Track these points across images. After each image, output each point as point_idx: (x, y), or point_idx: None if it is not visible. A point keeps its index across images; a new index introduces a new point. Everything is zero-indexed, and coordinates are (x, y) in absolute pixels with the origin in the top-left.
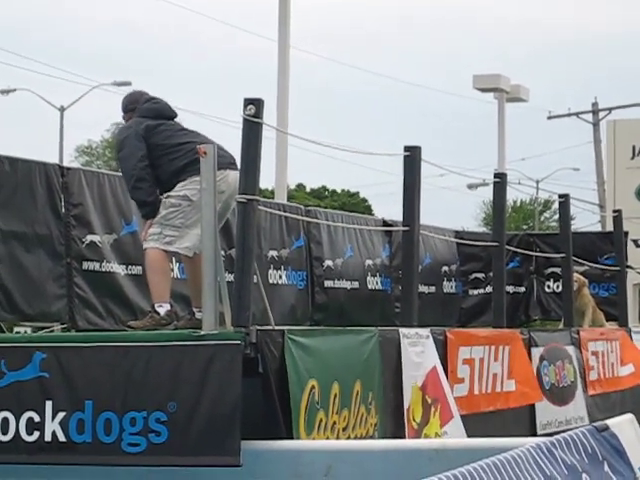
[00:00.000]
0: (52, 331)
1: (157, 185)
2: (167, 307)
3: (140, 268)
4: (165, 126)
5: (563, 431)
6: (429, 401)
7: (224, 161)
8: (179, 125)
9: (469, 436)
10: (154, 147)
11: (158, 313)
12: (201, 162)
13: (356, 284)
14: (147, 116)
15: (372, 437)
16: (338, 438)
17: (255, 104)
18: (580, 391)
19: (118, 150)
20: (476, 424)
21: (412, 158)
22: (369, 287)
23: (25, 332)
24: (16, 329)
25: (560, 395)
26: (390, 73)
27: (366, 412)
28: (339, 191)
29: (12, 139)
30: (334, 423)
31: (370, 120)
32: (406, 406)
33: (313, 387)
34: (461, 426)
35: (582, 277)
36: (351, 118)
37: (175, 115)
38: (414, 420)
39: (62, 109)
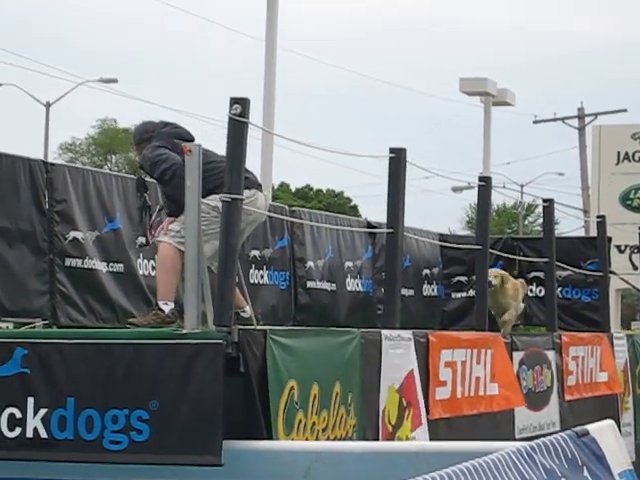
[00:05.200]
0: (34, 327)
1: None
2: (172, 305)
3: (121, 265)
4: None
5: (537, 436)
6: (404, 404)
7: (253, 180)
8: None
9: (451, 439)
10: None
11: (162, 311)
12: (186, 160)
13: (335, 286)
14: (169, 139)
15: (351, 439)
16: (317, 439)
17: (241, 103)
18: (555, 396)
19: (151, 161)
20: (459, 427)
21: (397, 160)
22: (348, 289)
23: (7, 328)
24: None
25: (536, 400)
26: (378, 76)
27: (346, 413)
28: (324, 191)
29: None
30: (313, 424)
31: (357, 122)
32: (382, 407)
33: (292, 387)
34: (427, 434)
35: (502, 271)
36: (338, 120)
37: (193, 139)
38: (389, 422)
39: (48, 105)
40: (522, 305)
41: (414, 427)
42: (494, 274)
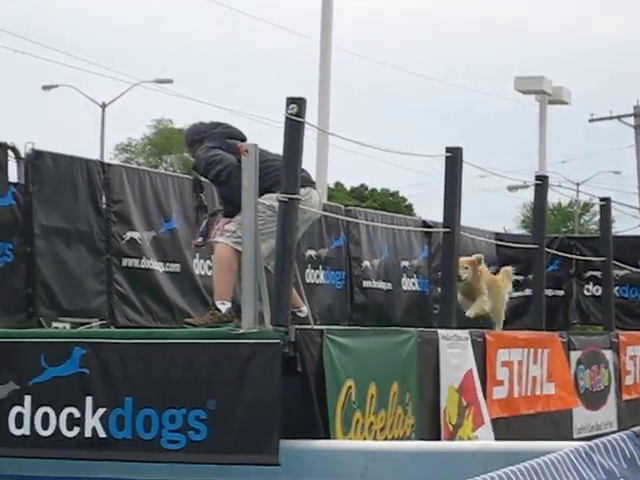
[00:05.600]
0: (91, 327)
1: None
2: (229, 305)
3: (178, 265)
4: None
5: (595, 436)
6: (464, 403)
7: (307, 178)
8: None
9: (509, 438)
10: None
11: (220, 310)
12: (243, 160)
13: (391, 285)
14: (222, 139)
15: (409, 438)
16: (375, 439)
17: (297, 103)
18: (612, 396)
19: (206, 162)
20: (516, 427)
21: (453, 159)
22: (404, 288)
23: (64, 328)
24: (55, 324)
25: (593, 400)
26: (432, 74)
27: (403, 413)
28: (379, 190)
29: (54, 135)
30: (371, 424)
31: (411, 121)
32: (442, 407)
33: (350, 387)
34: (491, 433)
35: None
36: (391, 119)
37: (246, 138)
38: (450, 422)
39: (104, 105)
40: (506, 297)
41: (475, 426)
42: (465, 264)
